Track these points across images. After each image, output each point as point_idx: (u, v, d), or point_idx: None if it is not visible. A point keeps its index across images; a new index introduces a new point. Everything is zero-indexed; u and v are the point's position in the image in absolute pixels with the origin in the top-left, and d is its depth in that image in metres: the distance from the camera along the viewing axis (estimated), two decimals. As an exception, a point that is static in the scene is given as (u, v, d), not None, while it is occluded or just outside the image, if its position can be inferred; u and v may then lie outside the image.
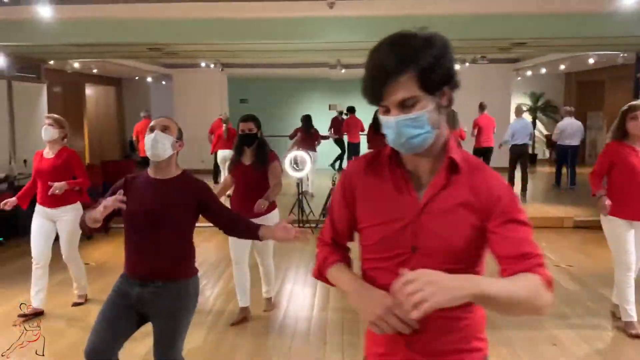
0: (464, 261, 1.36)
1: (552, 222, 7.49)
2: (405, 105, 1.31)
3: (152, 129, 2.59)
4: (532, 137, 10.63)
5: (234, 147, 4.31)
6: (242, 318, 4.26)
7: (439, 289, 1.13)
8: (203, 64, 13.06)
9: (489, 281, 1.21)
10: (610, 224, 3.89)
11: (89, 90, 15.55)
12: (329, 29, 6.25)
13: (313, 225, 7.37)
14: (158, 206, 2.52)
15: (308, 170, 7.51)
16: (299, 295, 4.95)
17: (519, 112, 9.76)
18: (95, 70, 11.59)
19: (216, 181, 10.79)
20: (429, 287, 1.12)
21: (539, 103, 15.23)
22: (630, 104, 3.88)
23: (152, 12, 6.20)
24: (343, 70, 12.96)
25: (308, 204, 7.74)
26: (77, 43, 6.34)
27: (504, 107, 13.34)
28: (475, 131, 9.96)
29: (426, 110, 1.32)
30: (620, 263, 3.86)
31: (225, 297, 4.80)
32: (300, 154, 7.38)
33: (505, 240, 1.32)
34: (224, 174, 9.45)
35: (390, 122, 1.33)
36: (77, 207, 4.46)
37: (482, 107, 10.45)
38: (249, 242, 4.11)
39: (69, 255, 4.54)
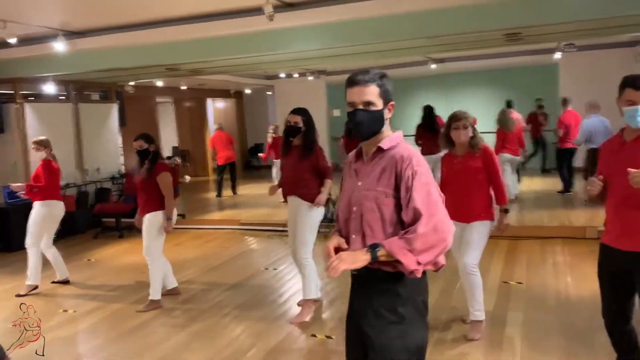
0: None
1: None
2: None
3: None
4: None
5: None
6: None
7: None
8: (295, 74, 13.90)
9: None
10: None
11: (219, 103, 17.56)
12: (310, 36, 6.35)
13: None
14: None
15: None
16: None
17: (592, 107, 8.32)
18: (184, 87, 13.05)
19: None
20: None
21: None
22: (452, 113, 3.94)
23: (161, 36, 6.90)
24: (433, 66, 12.62)
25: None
26: (102, 69, 7.48)
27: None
28: (562, 131, 8.95)
29: None
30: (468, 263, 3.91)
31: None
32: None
33: None
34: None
35: None
36: (43, 203, 5.57)
37: (565, 102, 9.36)
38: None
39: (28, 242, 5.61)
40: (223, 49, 6.89)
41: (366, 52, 7.49)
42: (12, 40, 6.39)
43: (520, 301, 4.68)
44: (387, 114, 2.10)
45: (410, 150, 2.08)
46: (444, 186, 3.85)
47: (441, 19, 5.96)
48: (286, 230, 7.22)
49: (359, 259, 1.94)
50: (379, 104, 2.06)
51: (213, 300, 5.13)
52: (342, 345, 3.81)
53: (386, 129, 2.12)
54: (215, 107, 17.36)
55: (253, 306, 4.90)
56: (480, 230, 3.85)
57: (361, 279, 2.10)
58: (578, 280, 5.10)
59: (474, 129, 3.87)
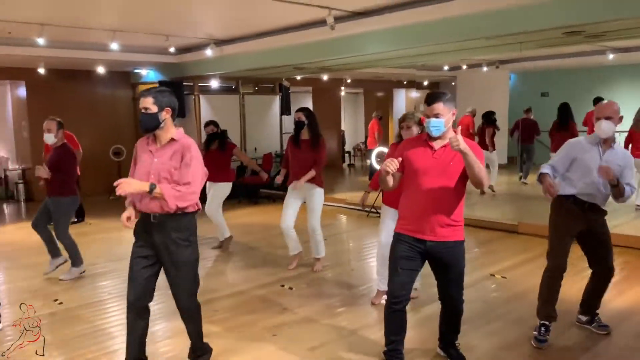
0: None
1: None
2: None
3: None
4: None
5: None
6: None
7: None
8: (464, 66, 14.06)
9: None
10: (384, 211, 4.59)
11: (413, 94, 18.61)
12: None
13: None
14: None
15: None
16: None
17: None
18: (348, 80, 14.41)
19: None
20: None
21: None
22: (404, 113, 4.49)
23: (283, 41, 8.42)
24: (611, 56, 11.61)
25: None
26: (245, 69, 9.39)
27: None
28: None
29: None
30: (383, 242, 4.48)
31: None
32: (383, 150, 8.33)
33: None
34: None
35: None
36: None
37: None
38: None
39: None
40: (329, 50, 8.06)
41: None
42: (172, 50, 8.67)
43: (482, 291, 4.95)
44: (163, 116, 3.19)
45: (191, 142, 3.24)
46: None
47: (496, 20, 6.13)
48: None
49: (141, 187, 3.09)
50: (153, 109, 3.16)
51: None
52: (297, 294, 4.89)
53: (167, 125, 3.21)
54: (408, 97, 18.41)
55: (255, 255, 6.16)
56: None
57: (157, 224, 3.24)
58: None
59: (422, 128, 4.34)
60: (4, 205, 10.54)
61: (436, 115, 3.17)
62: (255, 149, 11.39)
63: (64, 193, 5.46)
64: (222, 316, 4.47)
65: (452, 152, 3.18)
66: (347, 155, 17.27)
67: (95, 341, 4.06)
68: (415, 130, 4.35)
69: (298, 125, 5.52)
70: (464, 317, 3.57)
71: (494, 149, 10.04)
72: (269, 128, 11.69)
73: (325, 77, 13.07)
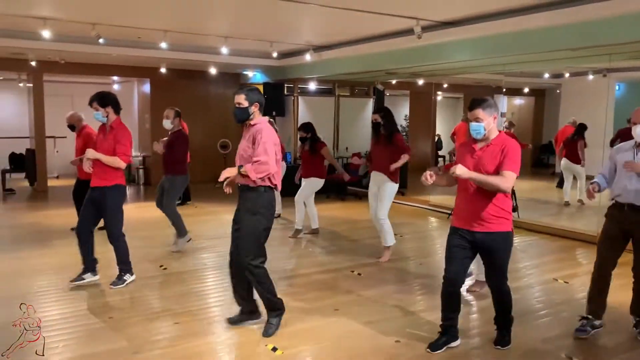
0: None
1: None
2: None
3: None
4: None
5: None
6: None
7: None
8: (566, 74, 13.70)
9: None
10: None
11: (517, 100, 18.41)
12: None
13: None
14: None
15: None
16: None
17: None
18: (445, 84, 14.55)
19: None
20: None
21: None
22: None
23: (379, 47, 8.99)
24: None
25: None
26: (339, 73, 10.04)
27: None
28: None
29: None
30: None
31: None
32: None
33: None
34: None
35: None
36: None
37: None
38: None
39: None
40: (417, 57, 8.51)
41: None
42: (274, 54, 9.52)
43: (539, 292, 5.20)
44: (253, 109, 3.93)
45: (263, 126, 3.90)
46: None
47: (581, 31, 6.28)
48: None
49: (234, 171, 3.87)
50: (244, 104, 3.92)
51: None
52: (365, 279, 5.43)
53: (255, 116, 3.95)
54: (511, 104, 18.20)
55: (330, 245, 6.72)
56: None
57: (240, 194, 4.00)
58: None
59: None
60: (127, 188, 12.02)
61: (476, 120, 3.56)
62: (347, 148, 12.02)
63: (177, 172, 6.42)
64: (294, 290, 5.13)
65: (488, 152, 3.57)
66: (441, 159, 17.36)
67: (196, 298, 4.92)
68: None
69: (375, 126, 6.06)
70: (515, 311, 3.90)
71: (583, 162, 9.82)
72: (361, 129, 12.24)
73: (420, 82, 13.37)
